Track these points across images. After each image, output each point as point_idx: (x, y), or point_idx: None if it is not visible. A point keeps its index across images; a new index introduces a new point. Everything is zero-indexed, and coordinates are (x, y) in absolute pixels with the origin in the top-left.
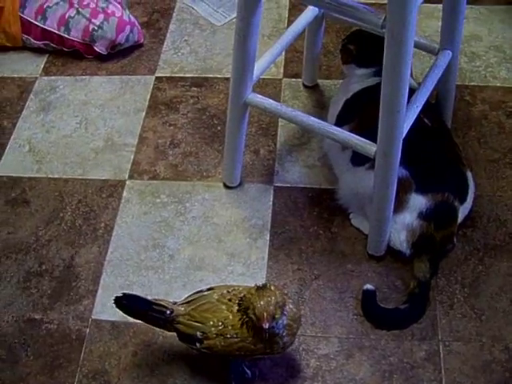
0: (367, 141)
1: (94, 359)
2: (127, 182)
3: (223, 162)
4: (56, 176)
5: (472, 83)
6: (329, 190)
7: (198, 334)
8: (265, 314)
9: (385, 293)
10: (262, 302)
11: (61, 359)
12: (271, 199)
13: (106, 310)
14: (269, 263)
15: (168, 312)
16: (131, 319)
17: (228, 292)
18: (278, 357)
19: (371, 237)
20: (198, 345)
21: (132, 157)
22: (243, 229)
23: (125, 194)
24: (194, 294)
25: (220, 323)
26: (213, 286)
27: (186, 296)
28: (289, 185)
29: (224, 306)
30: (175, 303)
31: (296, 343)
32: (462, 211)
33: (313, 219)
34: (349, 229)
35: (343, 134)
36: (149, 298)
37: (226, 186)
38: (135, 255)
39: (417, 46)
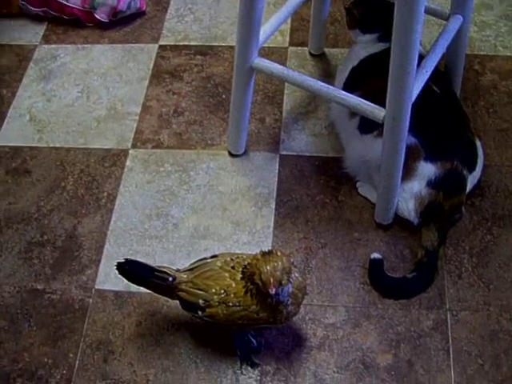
0: (376, 105)
1: (98, 329)
2: (130, 151)
3: (228, 130)
4: (57, 145)
5: (481, 52)
6: (335, 158)
7: (201, 301)
8: (271, 280)
9: (392, 262)
10: (268, 267)
11: (64, 329)
12: (277, 167)
13: (109, 279)
14: (274, 232)
15: (170, 279)
16: (135, 289)
17: (231, 259)
18: (283, 326)
19: (379, 205)
20: (200, 313)
21: (135, 125)
22: (248, 197)
23: (128, 163)
24: (198, 261)
25: (222, 291)
26: (216, 253)
27: (190, 263)
28: (295, 153)
29: (227, 274)
30: (178, 270)
31: (302, 312)
32: (471, 180)
33: (319, 188)
34: (356, 197)
35: (351, 98)
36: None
37: (231, 155)
38: (139, 224)
39: (427, 11)
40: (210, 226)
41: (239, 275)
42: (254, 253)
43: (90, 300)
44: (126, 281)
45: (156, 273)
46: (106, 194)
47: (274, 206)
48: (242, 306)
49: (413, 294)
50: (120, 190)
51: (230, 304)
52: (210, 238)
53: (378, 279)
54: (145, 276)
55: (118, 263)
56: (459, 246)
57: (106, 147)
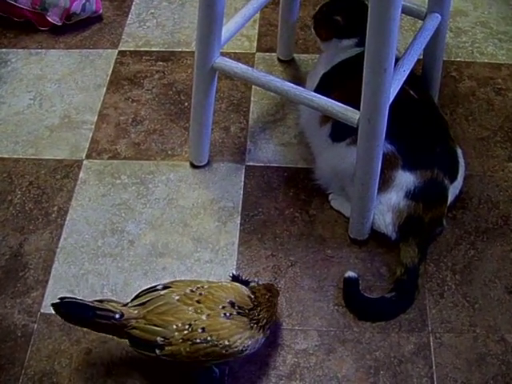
0: (349, 107)
1: (42, 359)
2: (84, 162)
3: (189, 139)
4: (5, 156)
5: (458, 59)
6: (306, 169)
7: (159, 339)
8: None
9: (369, 281)
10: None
11: (2, 360)
12: (242, 179)
13: None
14: (239, 249)
15: (117, 316)
16: None
17: (192, 291)
18: (250, 354)
19: (353, 219)
20: (157, 351)
21: (90, 135)
22: (211, 211)
23: (81, 174)
24: (147, 292)
25: (187, 326)
26: (167, 283)
27: (137, 293)
28: (262, 164)
29: (190, 308)
30: (125, 305)
31: (271, 337)
32: (453, 191)
33: (288, 201)
34: (328, 211)
35: (322, 100)
36: (97, 297)
37: (193, 166)
38: (91, 241)
39: (402, 10)
40: (170, 243)
41: (220, 309)
42: (216, 272)
43: (35, 325)
44: None
45: (98, 312)
46: (56, 208)
47: (239, 221)
48: (211, 341)
49: (392, 315)
50: (72, 203)
51: (197, 341)
52: (169, 255)
53: (354, 300)
54: (86, 317)
55: (52, 304)
56: (441, 262)
57: (58, 158)
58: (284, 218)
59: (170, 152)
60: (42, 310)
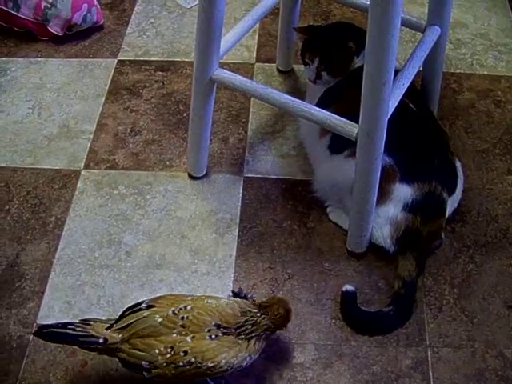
0: (348, 121)
1: (37, 370)
2: (82, 172)
3: (188, 150)
4: (3, 165)
5: (458, 71)
6: (304, 181)
7: (144, 363)
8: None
9: (366, 294)
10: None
11: None
12: (240, 191)
13: (52, 313)
14: (237, 261)
15: (101, 340)
16: None
17: (175, 314)
18: (247, 367)
19: (351, 232)
20: (145, 374)
21: (89, 145)
22: (209, 223)
23: (79, 184)
24: (131, 312)
25: (169, 349)
26: (152, 300)
27: (122, 312)
28: (260, 175)
29: (174, 331)
30: (110, 326)
31: (267, 351)
32: (451, 204)
33: (286, 213)
34: (326, 224)
35: (321, 113)
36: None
37: (191, 177)
38: (88, 252)
39: (402, 22)
40: (167, 255)
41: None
42: (213, 285)
43: (30, 337)
44: (71, 316)
45: (80, 339)
46: (53, 218)
47: (236, 233)
48: (194, 363)
49: (389, 329)
50: (69, 214)
51: (180, 364)
52: (166, 267)
53: (351, 313)
54: (68, 342)
55: (33, 333)
56: (439, 275)
57: (56, 167)
58: (282, 231)
59: (168, 163)
60: (37, 321)
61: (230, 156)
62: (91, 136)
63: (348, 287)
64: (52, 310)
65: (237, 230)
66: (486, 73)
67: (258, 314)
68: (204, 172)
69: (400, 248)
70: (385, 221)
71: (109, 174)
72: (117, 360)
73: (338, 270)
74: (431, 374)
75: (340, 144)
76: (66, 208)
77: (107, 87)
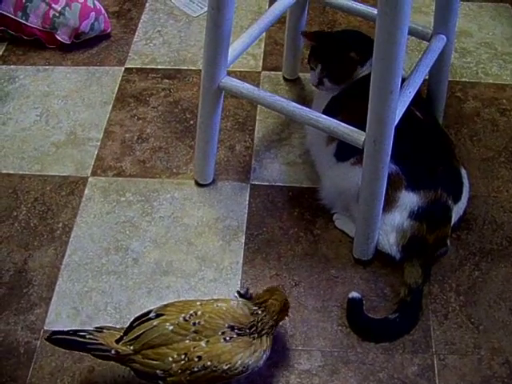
0: (355, 129)
1: (45, 376)
2: (90, 179)
3: (195, 157)
4: (11, 172)
5: (463, 79)
6: (311, 188)
7: (158, 372)
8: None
9: (373, 301)
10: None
11: (4, 377)
12: (247, 198)
13: (60, 319)
14: (244, 268)
15: (113, 352)
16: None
17: (186, 320)
18: (252, 374)
19: (357, 239)
20: (161, 383)
21: (96, 152)
22: (216, 230)
23: (86, 191)
24: (140, 323)
25: (182, 356)
26: (160, 308)
27: (130, 322)
28: (267, 183)
29: (187, 337)
30: (120, 339)
31: (274, 357)
32: (457, 211)
33: (293, 220)
34: (332, 231)
35: (328, 120)
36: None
37: (198, 184)
38: (96, 258)
39: (408, 31)
40: (174, 262)
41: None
42: (221, 291)
43: (38, 342)
44: (78, 322)
45: (89, 346)
46: (61, 224)
47: (243, 240)
48: (210, 367)
49: (395, 336)
50: (77, 220)
51: (195, 369)
52: (173, 274)
53: (358, 320)
54: (77, 349)
55: (46, 339)
56: (445, 283)
57: (63, 174)
58: (288, 238)
59: (175, 170)
60: (45, 327)
61: (237, 164)
62: (98, 143)
63: (354, 294)
64: (59, 316)
65: (243, 237)
66: (490, 81)
67: (259, 312)
68: (211, 179)
69: (406, 255)
70: (391, 228)
71: (116, 181)
72: (125, 367)
73: (344, 277)
74: (437, 380)
75: (346, 152)
76: (74, 215)
77: (114, 95)
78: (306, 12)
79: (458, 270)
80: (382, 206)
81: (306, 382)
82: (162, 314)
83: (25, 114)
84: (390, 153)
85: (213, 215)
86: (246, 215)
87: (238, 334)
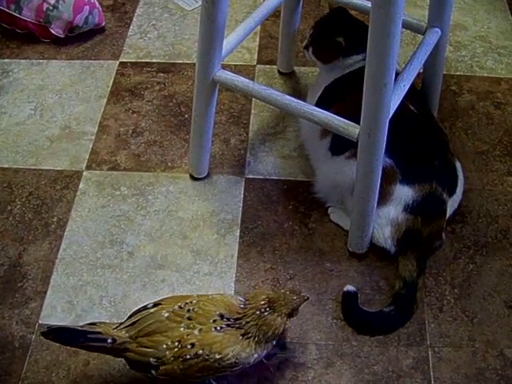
0: (349, 122)
1: (40, 370)
2: (84, 173)
3: (189, 151)
4: (5, 166)
5: (458, 73)
6: (305, 182)
7: (152, 360)
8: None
9: (367, 294)
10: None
11: None
12: (242, 192)
13: (55, 313)
14: (239, 262)
15: (109, 340)
16: (83, 323)
17: (180, 308)
18: (248, 367)
19: (352, 232)
20: (153, 372)
21: (91, 146)
22: (211, 224)
23: (81, 185)
24: (138, 311)
25: (176, 343)
26: (158, 300)
27: (129, 314)
28: (261, 176)
29: (180, 324)
30: (118, 327)
31: (269, 350)
32: (451, 204)
33: (288, 214)
34: (327, 224)
35: (322, 113)
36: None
37: (193, 178)
38: (90, 252)
39: (403, 24)
40: (169, 255)
41: (210, 323)
42: (215, 285)
43: (33, 336)
44: (73, 316)
45: (89, 335)
46: (55, 218)
47: (238, 234)
48: (202, 355)
49: (390, 329)
50: (71, 214)
51: (187, 357)
52: (168, 267)
53: (352, 313)
54: (76, 342)
55: (41, 333)
56: (440, 276)
57: (58, 168)
58: (283, 231)
59: (169, 164)
60: (40, 321)
61: (232, 157)
62: (93, 137)
63: (349, 287)
64: (54, 310)
65: (238, 231)
66: (485, 75)
67: (247, 307)
68: (205, 173)
69: (401, 248)
70: (386, 221)
71: (111, 175)
72: (120, 360)
73: (339, 271)
74: (432, 373)
75: (341, 145)
76: (68, 209)
77: (109, 89)
78: (301, 5)
79: (453, 263)
80: (376, 200)
81: (300, 375)
82: (159, 304)
83: (19, 107)
84: (384, 146)
85: (208, 209)
86: (240, 209)
87: (227, 325)
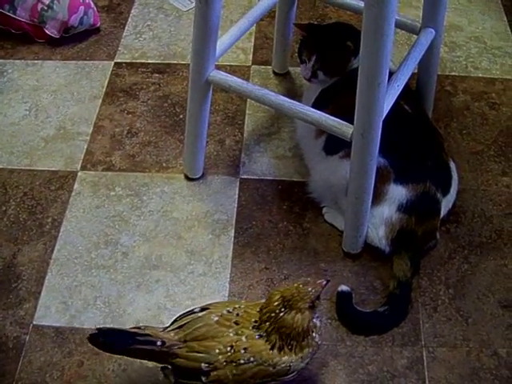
0: (343, 122)
1: (34, 371)
2: (79, 174)
3: (184, 151)
4: (0, 166)
5: (453, 73)
6: (300, 182)
7: (203, 365)
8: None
9: (362, 294)
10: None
11: None
12: (237, 192)
13: (49, 314)
14: (233, 262)
15: (159, 343)
16: (78, 324)
17: (229, 312)
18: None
19: (347, 232)
20: (203, 379)
21: (85, 146)
22: (205, 224)
23: (76, 186)
24: (184, 315)
25: (228, 348)
26: (204, 305)
27: (174, 318)
28: (256, 177)
29: (230, 330)
30: (165, 329)
31: None
32: (445, 204)
33: (282, 214)
34: (322, 224)
35: (316, 114)
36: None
37: (188, 178)
38: (85, 253)
39: (397, 24)
40: (163, 256)
41: (249, 329)
42: (211, 286)
43: (27, 337)
44: (67, 316)
45: (138, 338)
46: (50, 219)
47: (232, 234)
48: (256, 360)
49: (385, 329)
50: (66, 215)
51: (241, 361)
52: (163, 268)
53: (347, 313)
54: (126, 345)
55: (90, 335)
56: (434, 276)
57: (52, 169)
58: (278, 231)
59: (164, 164)
60: (34, 322)
61: (226, 157)
62: (88, 138)
63: (343, 287)
64: (48, 311)
65: (233, 231)
66: (480, 75)
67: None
68: (200, 173)
69: (395, 248)
70: (380, 221)
71: (105, 176)
72: (114, 360)
73: (333, 271)
74: (426, 373)
75: (335, 145)
76: (63, 209)
77: (104, 89)
78: (296, 6)
79: (447, 263)
80: (370, 200)
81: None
82: (207, 308)
83: (14, 108)
84: (378, 146)
85: (202, 209)
86: (235, 209)
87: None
